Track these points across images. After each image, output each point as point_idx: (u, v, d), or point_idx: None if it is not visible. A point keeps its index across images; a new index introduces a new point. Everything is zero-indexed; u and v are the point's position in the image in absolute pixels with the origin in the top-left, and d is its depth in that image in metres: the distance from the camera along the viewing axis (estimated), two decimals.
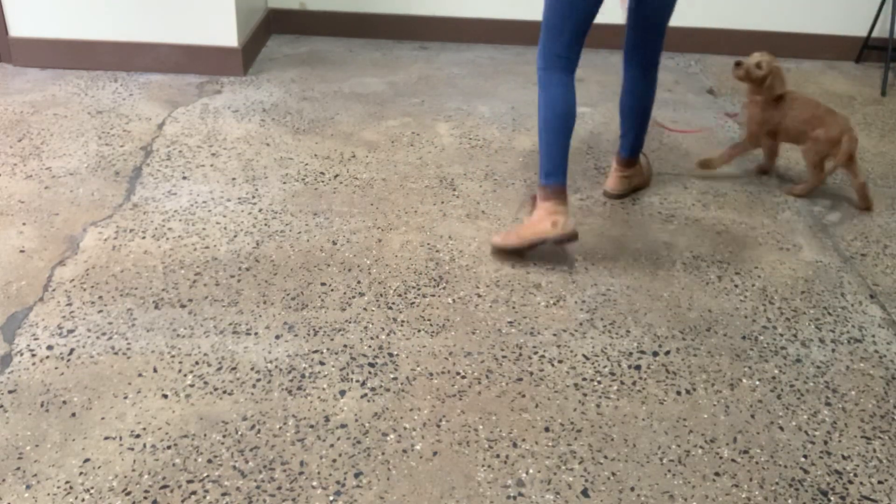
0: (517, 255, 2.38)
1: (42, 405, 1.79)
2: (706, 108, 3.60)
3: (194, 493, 1.59)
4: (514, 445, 1.74)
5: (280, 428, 1.76)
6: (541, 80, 2.35)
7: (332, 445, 1.72)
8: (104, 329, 2.03)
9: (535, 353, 2.02)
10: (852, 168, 2.76)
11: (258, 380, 1.89)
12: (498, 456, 1.71)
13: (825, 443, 1.79)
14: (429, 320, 2.12)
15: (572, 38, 2.31)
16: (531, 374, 1.95)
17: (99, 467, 1.64)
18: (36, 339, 1.99)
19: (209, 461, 1.67)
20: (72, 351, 1.95)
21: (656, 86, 2.62)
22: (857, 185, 2.79)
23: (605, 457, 1.73)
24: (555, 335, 2.09)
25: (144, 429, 1.74)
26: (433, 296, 2.22)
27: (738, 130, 3.39)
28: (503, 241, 2.37)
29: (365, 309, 2.15)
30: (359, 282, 2.26)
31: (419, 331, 2.08)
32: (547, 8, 2.29)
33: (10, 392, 1.82)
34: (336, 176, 2.84)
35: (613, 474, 1.69)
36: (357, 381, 1.90)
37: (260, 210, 2.60)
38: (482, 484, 1.64)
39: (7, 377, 1.86)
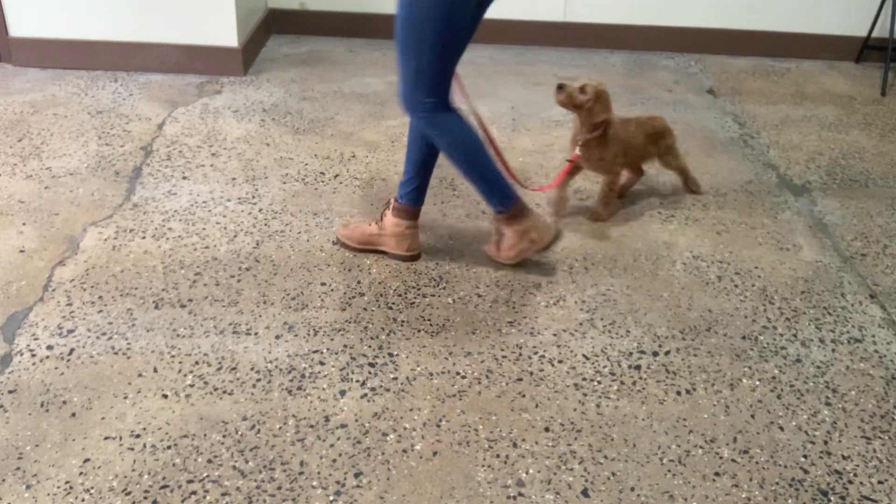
0: None
1: (42, 405, 1.79)
2: (706, 108, 3.60)
3: (194, 493, 1.59)
4: (514, 445, 1.74)
5: (280, 428, 1.76)
6: (440, 122, 2.11)
7: (332, 445, 1.72)
8: (104, 329, 2.03)
9: (535, 353, 2.02)
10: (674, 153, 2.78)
11: (258, 380, 1.89)
12: (498, 456, 1.71)
13: (825, 443, 1.79)
14: (429, 320, 2.12)
15: (454, 67, 2.09)
16: (531, 374, 1.95)
17: (99, 467, 1.64)
18: (36, 339, 1.99)
19: (209, 461, 1.67)
20: (72, 351, 1.95)
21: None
22: (680, 169, 2.80)
23: (605, 457, 1.73)
24: (555, 335, 2.09)
25: (144, 429, 1.74)
26: (433, 296, 2.22)
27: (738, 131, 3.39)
28: (496, 255, 2.34)
29: (365, 309, 2.15)
30: (359, 282, 2.26)
31: (419, 331, 2.08)
32: (443, 39, 1.98)
33: (10, 392, 1.82)
34: (336, 176, 2.84)
35: (613, 474, 1.69)
36: (357, 381, 1.90)
37: (260, 210, 2.60)
38: (482, 484, 1.64)
39: (7, 377, 1.86)
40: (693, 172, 2.84)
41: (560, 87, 2.45)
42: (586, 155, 2.53)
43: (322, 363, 1.95)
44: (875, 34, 4.18)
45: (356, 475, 1.65)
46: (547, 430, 1.79)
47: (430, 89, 2.07)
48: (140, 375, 1.89)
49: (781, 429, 1.83)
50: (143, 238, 2.42)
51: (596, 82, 2.46)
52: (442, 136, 2.14)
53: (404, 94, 2.10)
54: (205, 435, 1.73)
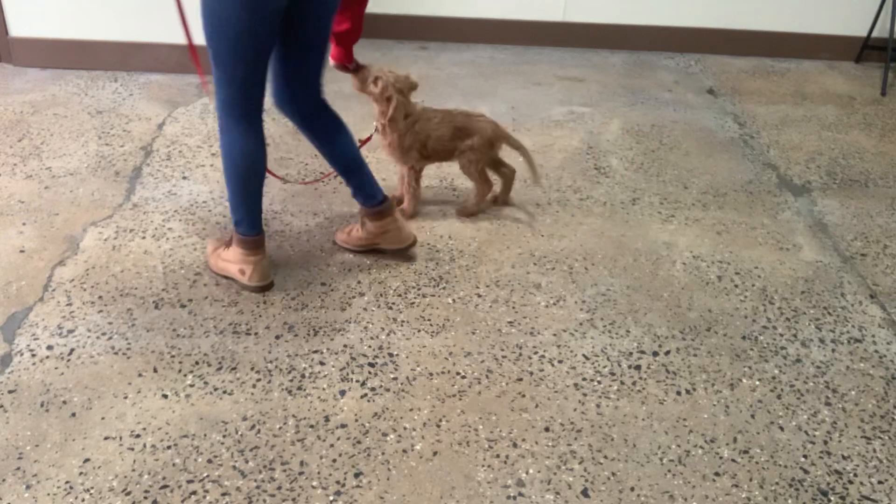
0: None
1: (42, 405, 1.79)
2: (706, 108, 3.60)
3: (194, 493, 1.59)
4: (514, 445, 1.74)
5: (280, 428, 1.76)
6: (229, 128, 2.01)
7: (332, 445, 1.72)
8: (104, 329, 2.03)
9: (535, 353, 2.02)
10: (500, 165, 2.65)
11: (258, 380, 1.89)
12: (498, 456, 1.71)
13: (825, 443, 1.79)
14: (429, 320, 2.12)
15: (265, 71, 1.97)
16: (531, 374, 1.95)
17: (99, 467, 1.64)
18: (36, 339, 1.99)
19: (209, 461, 1.67)
20: (72, 351, 1.95)
21: None
22: (508, 178, 2.67)
23: (605, 457, 1.73)
24: (555, 335, 2.09)
25: (144, 429, 1.74)
26: (433, 296, 2.22)
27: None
28: (211, 258, 2.27)
29: (365, 309, 2.15)
30: (359, 282, 2.26)
31: (419, 331, 2.08)
32: (233, 36, 1.85)
33: (10, 392, 1.82)
34: (336, 176, 2.84)
35: (613, 474, 1.69)
36: (357, 381, 1.90)
37: None
38: (482, 484, 1.64)
39: (7, 377, 1.86)
40: (513, 192, 2.70)
41: (357, 69, 2.32)
42: (382, 139, 2.47)
43: (322, 363, 1.95)
44: (875, 34, 4.18)
45: (356, 475, 1.65)
46: (547, 430, 1.79)
47: (228, 92, 1.96)
48: (140, 375, 1.89)
49: (781, 429, 1.83)
50: (143, 238, 2.42)
51: (394, 77, 2.35)
52: (230, 139, 2.02)
53: (215, 91, 1.99)
54: (205, 435, 1.73)
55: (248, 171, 2.06)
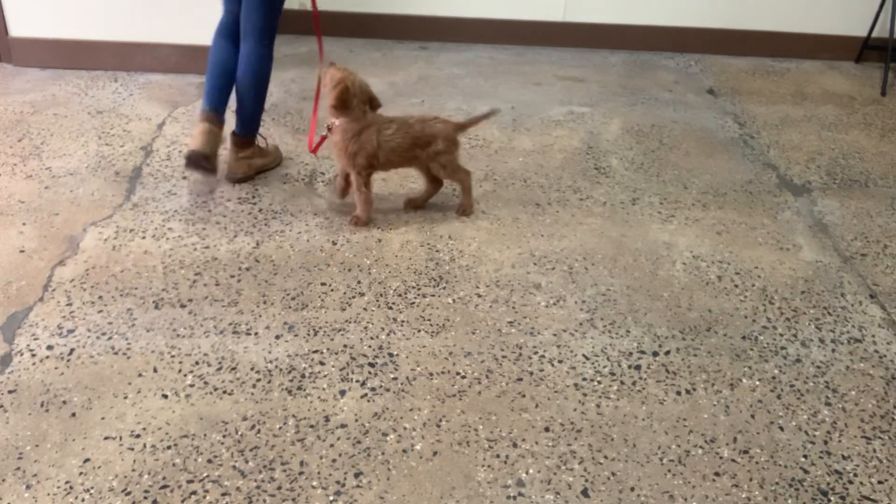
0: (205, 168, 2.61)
1: (42, 405, 1.79)
2: (706, 108, 3.61)
3: (194, 493, 1.59)
4: (514, 445, 1.74)
5: (280, 428, 1.76)
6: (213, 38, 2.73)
7: (332, 445, 1.72)
8: (104, 329, 2.03)
9: (535, 353, 2.02)
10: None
11: (258, 380, 1.89)
12: (498, 456, 1.71)
13: (825, 443, 1.79)
14: (429, 320, 2.12)
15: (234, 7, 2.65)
16: (531, 374, 1.95)
17: (99, 467, 1.64)
18: (36, 339, 1.99)
19: (209, 461, 1.67)
20: (72, 351, 1.95)
21: (271, 60, 2.70)
22: (436, 189, 2.64)
23: (605, 457, 1.73)
24: (555, 335, 2.09)
25: (144, 429, 1.74)
26: (433, 296, 2.22)
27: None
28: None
29: (365, 309, 2.15)
30: (359, 282, 2.26)
31: (419, 331, 2.08)
32: None
33: (10, 392, 1.82)
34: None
35: (613, 474, 1.69)
36: (357, 381, 1.90)
37: (260, 210, 2.60)
38: (482, 484, 1.64)
39: (7, 377, 1.86)
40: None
41: (330, 65, 2.44)
42: (330, 137, 2.47)
43: (322, 363, 1.95)
44: (875, 34, 4.18)
45: (356, 475, 1.65)
46: (547, 430, 1.79)
47: (220, 19, 2.74)
48: (140, 375, 1.89)
49: (781, 429, 1.83)
50: (143, 238, 2.42)
51: (347, 73, 2.38)
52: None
53: None
54: (205, 435, 1.73)
55: (212, 55, 2.69)
